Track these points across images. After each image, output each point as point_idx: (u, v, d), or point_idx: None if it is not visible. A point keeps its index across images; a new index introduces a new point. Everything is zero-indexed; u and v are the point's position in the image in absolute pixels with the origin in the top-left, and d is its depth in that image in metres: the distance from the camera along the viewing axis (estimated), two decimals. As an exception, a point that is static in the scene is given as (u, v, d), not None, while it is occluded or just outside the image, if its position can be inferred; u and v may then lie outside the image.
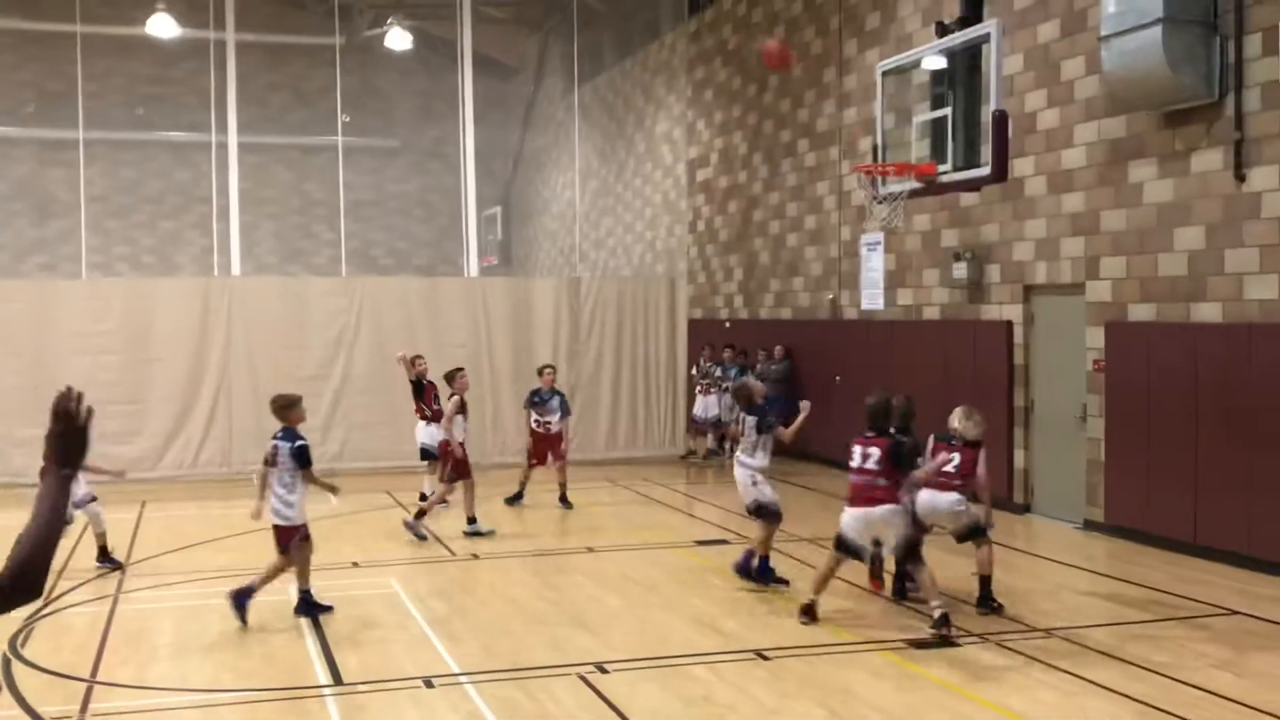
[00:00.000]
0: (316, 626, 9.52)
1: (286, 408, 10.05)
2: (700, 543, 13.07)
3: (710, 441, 20.60)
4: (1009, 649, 8.79)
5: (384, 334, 18.89)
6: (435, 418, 14.65)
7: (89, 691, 7.99)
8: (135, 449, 17.72)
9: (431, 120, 31.00)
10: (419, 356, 15.50)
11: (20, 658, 8.69)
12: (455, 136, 22.46)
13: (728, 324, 22.12)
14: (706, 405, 20.31)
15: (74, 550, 12.77)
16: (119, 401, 17.67)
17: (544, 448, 15.16)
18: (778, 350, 19.81)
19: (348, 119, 24.99)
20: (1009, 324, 14.74)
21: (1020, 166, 14.02)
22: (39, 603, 10.28)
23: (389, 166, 33.13)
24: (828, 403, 15.92)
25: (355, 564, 12.02)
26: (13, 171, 29.80)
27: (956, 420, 10.21)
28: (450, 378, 13.70)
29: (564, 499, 15.18)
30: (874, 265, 16.69)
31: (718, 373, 20.31)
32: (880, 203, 13.61)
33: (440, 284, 20.43)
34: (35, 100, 29.23)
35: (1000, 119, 12.13)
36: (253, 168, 22.75)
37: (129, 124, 29.60)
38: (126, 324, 17.96)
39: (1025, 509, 14.54)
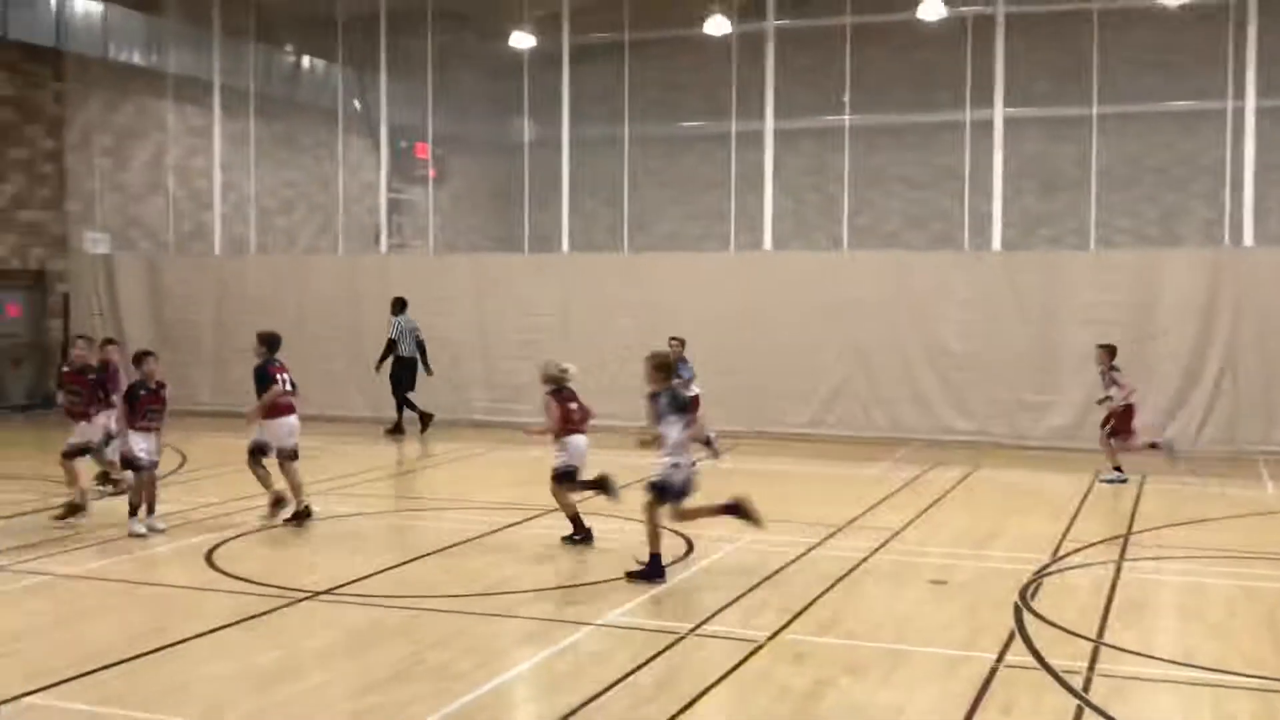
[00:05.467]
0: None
1: None
2: None
3: None
4: None
5: None
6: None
7: (1095, 651, 8.22)
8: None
9: None
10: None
11: (1031, 610, 9.22)
12: None
13: None
14: None
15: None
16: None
17: None
18: None
19: None
20: None
21: None
22: (1045, 559, 10.82)
23: None
24: None
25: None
26: (1022, 149, 31.32)
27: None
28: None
29: None
30: None
31: None
32: None
33: None
34: (1047, 78, 30.44)
35: None
36: (1269, 133, 21.41)
37: (1135, 96, 29.63)
38: (1132, 295, 18.15)
39: None
